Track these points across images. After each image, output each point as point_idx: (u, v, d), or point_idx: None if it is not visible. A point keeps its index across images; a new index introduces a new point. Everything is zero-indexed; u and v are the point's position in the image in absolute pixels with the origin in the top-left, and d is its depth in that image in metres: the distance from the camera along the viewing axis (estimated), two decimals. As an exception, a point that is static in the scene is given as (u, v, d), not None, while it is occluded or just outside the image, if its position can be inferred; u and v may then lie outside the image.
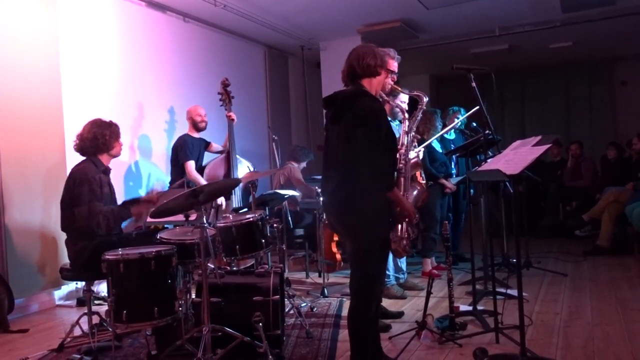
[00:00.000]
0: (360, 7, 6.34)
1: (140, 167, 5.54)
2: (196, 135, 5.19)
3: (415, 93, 2.98)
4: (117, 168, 5.25)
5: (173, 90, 5.92)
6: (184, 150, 5.01)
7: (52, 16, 4.62)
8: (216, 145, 5.37)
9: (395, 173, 2.72)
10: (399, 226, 2.71)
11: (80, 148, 3.58)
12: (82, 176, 3.43)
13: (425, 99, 2.95)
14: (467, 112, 5.62)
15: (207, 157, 5.32)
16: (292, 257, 6.04)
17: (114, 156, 3.69)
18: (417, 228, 2.83)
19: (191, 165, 4.98)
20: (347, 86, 2.76)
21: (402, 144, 2.82)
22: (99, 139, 3.53)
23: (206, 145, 5.30)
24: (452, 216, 5.58)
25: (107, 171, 3.64)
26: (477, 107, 4.93)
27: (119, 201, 3.79)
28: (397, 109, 3.90)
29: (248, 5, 6.01)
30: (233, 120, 5.12)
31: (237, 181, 4.01)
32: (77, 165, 3.54)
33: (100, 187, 3.45)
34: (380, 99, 2.78)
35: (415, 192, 2.86)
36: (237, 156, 5.17)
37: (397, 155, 2.76)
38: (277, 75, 8.09)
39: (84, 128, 3.59)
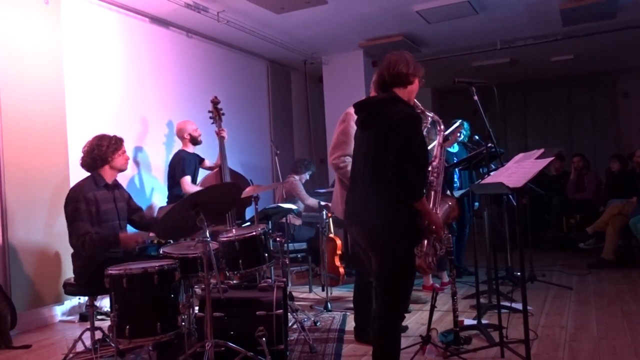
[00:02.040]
0: (362, 22, 6.38)
1: (143, 181, 5.55)
2: (191, 150, 5.20)
3: (419, 111, 2.87)
4: (120, 180, 5.28)
5: (176, 105, 5.95)
6: (181, 166, 5.01)
7: (56, 31, 4.66)
8: (209, 162, 5.39)
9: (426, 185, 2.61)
10: (425, 241, 2.60)
11: (82, 163, 3.60)
12: (71, 195, 3.46)
13: (430, 117, 2.86)
14: (470, 125, 5.64)
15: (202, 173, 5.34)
16: (295, 271, 6.02)
17: (118, 169, 3.66)
18: (444, 244, 2.71)
19: (187, 180, 4.99)
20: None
21: (436, 157, 2.72)
22: (95, 150, 3.53)
23: (200, 161, 5.31)
24: (456, 228, 5.56)
25: (109, 186, 3.61)
26: (459, 122, 4.98)
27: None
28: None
29: (250, 20, 6.06)
30: (224, 137, 5.09)
31: (248, 201, 4.01)
32: (75, 184, 3.57)
33: (95, 204, 3.44)
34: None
35: (445, 207, 2.75)
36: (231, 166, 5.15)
37: (430, 168, 2.67)
38: (279, 90, 8.13)
39: (86, 143, 3.62)
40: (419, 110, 2.69)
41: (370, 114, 2.58)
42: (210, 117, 5.11)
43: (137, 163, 5.48)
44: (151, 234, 3.66)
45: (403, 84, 2.58)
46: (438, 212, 2.63)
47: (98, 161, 3.55)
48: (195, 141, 5.20)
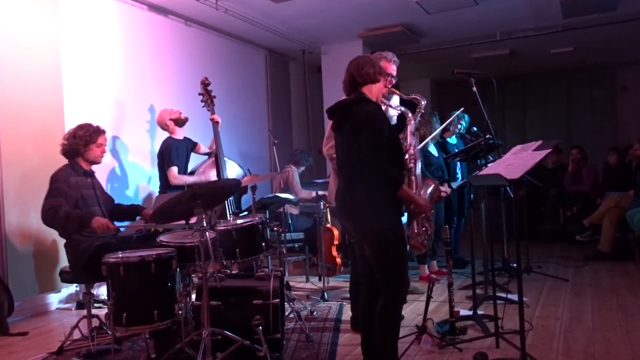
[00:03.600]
0: (361, 12, 6.35)
1: (142, 171, 5.55)
2: (180, 136, 4.97)
3: (413, 96, 3.08)
4: (122, 170, 5.27)
5: (174, 93, 5.92)
6: (168, 155, 4.80)
7: (54, 19, 4.63)
8: (203, 147, 5.20)
9: (404, 172, 2.89)
10: (415, 223, 2.89)
11: (61, 150, 3.61)
12: (52, 178, 3.48)
13: (424, 102, 3.02)
14: (470, 117, 5.63)
15: (196, 159, 5.25)
16: (292, 261, 6.03)
17: (91, 161, 3.65)
18: (433, 223, 2.99)
19: (174, 170, 4.78)
20: (349, 95, 2.86)
21: (410, 144, 2.99)
22: (69, 140, 3.56)
23: (193, 146, 5.10)
24: (456, 219, 5.60)
25: (88, 173, 3.63)
26: (462, 109, 4.99)
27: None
28: (393, 114, 3.93)
29: (249, 9, 6.02)
30: (217, 122, 4.92)
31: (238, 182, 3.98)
32: (56, 170, 3.56)
33: (77, 189, 3.46)
34: (382, 104, 2.90)
35: (429, 189, 2.99)
36: (226, 158, 4.99)
37: (406, 155, 2.94)
38: (278, 79, 8.10)
39: (68, 130, 3.63)
40: (400, 109, 3.07)
41: (341, 116, 2.80)
42: (202, 100, 4.91)
43: (135, 152, 5.47)
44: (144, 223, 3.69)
45: (371, 82, 2.81)
46: (422, 194, 2.93)
47: (70, 152, 3.57)
48: (179, 122, 4.93)
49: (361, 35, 7.22)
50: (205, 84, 4.92)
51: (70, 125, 4.62)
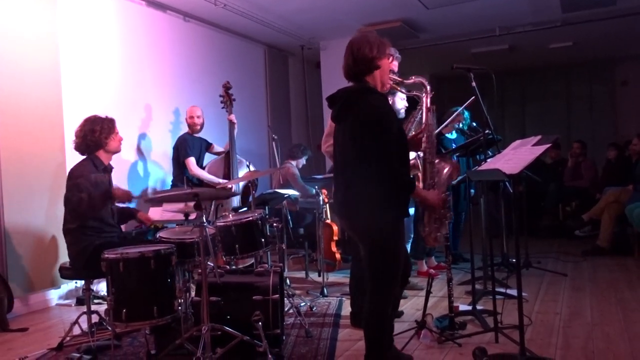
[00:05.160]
0: (360, 7, 6.33)
1: (141, 166, 5.54)
2: (196, 135, 5.25)
3: (414, 93, 2.94)
4: (118, 167, 5.26)
5: (173, 89, 5.92)
6: (184, 148, 5.09)
7: (53, 16, 4.62)
8: (217, 147, 5.40)
9: (419, 160, 2.76)
10: (426, 220, 2.81)
11: (76, 147, 3.58)
12: (77, 173, 3.45)
13: (424, 98, 2.93)
14: (470, 113, 5.62)
15: (208, 158, 5.34)
16: (292, 257, 6.04)
17: (112, 152, 3.64)
18: (449, 209, 2.87)
19: (192, 161, 5.06)
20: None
21: (425, 124, 2.73)
22: (88, 136, 3.51)
23: (207, 146, 5.34)
24: (454, 215, 5.58)
25: (107, 169, 3.62)
26: (473, 98, 4.95)
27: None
28: (400, 107, 3.92)
29: (248, 4, 6.01)
30: (234, 123, 5.16)
31: (233, 194, 4.05)
32: (75, 165, 3.55)
33: (94, 186, 3.44)
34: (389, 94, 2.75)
35: (445, 171, 2.92)
36: (238, 155, 5.18)
37: (422, 136, 2.75)
38: (277, 75, 8.09)
39: (78, 126, 3.59)
40: (402, 91, 2.93)
41: (343, 107, 2.57)
42: (222, 102, 5.17)
43: (134, 148, 5.46)
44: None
45: (370, 70, 2.54)
46: (441, 176, 2.83)
47: (92, 147, 3.53)
48: (190, 128, 5.24)
49: (360, 30, 7.20)
50: (226, 87, 5.20)
51: (69, 121, 4.65)
